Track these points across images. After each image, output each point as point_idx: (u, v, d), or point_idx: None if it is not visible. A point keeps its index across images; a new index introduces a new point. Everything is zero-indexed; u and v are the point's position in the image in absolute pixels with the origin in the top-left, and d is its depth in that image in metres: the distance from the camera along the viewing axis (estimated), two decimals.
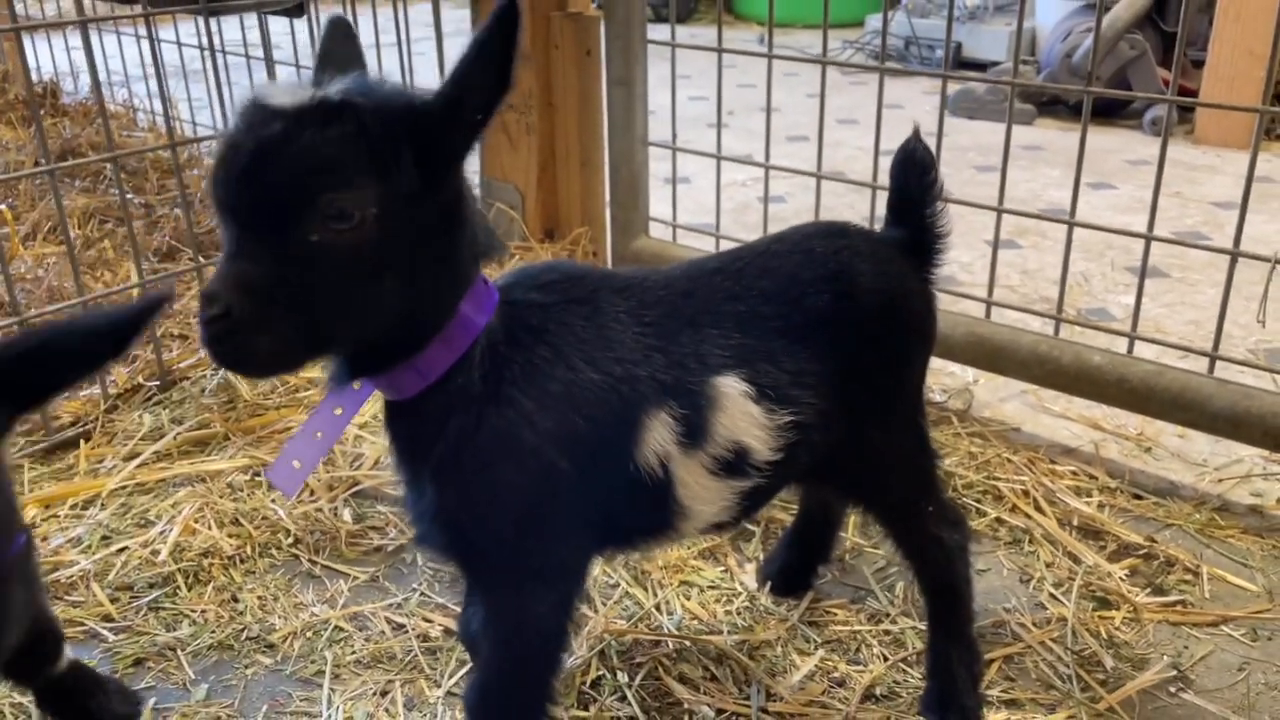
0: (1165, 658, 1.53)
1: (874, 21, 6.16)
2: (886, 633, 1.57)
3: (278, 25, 3.06)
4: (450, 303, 1.05)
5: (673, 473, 1.13)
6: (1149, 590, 1.66)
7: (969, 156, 4.11)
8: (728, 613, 1.61)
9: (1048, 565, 1.71)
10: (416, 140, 0.96)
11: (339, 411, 1.11)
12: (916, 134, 1.32)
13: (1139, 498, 1.90)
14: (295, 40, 3.17)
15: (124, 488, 1.89)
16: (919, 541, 1.37)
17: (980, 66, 5.30)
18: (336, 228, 0.93)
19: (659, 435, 1.11)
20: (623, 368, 1.10)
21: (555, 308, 1.12)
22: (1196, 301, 2.77)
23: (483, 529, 1.11)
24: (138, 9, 2.15)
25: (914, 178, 1.31)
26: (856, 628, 1.58)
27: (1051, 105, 4.81)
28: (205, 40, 2.35)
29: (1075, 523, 1.81)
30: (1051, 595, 1.65)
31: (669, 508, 1.16)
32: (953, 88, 4.65)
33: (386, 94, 0.96)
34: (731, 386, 1.14)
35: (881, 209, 1.46)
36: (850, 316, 1.21)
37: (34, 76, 2.75)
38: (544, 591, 1.16)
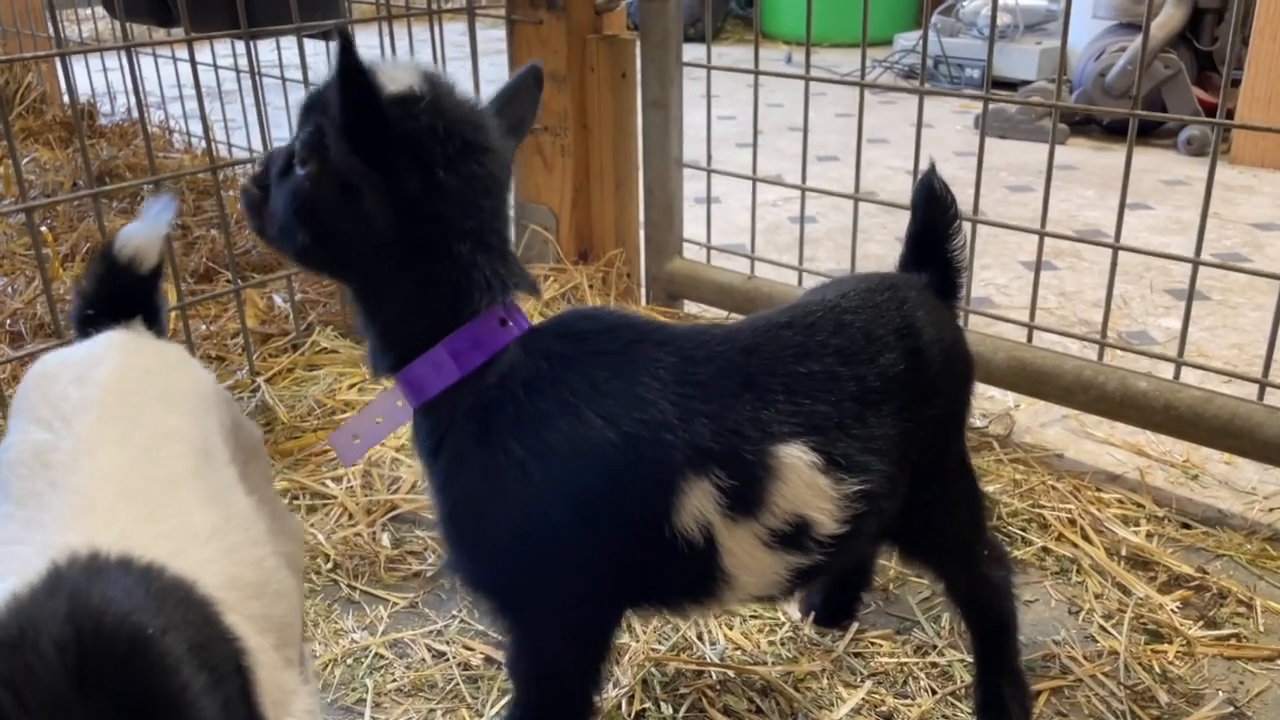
0: (1220, 693, 1.49)
1: (902, 40, 6.14)
2: (934, 665, 1.55)
3: (312, 47, 3.08)
4: (407, 311, 1.08)
5: (718, 542, 1.07)
6: (1202, 623, 1.63)
7: (1000, 176, 4.09)
8: (771, 643, 1.59)
9: (1096, 596, 1.68)
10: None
11: (400, 404, 1.13)
12: (933, 168, 1.30)
13: (1187, 527, 1.87)
14: (330, 63, 3.19)
15: None
16: (971, 585, 1.34)
17: (1009, 86, 5.26)
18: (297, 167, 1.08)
19: (698, 503, 1.06)
20: (650, 430, 1.04)
21: (573, 359, 1.08)
22: (1239, 325, 2.73)
23: (471, 559, 1.11)
24: (178, 33, 2.16)
25: (939, 214, 1.28)
26: (903, 660, 1.55)
27: (1084, 125, 4.77)
28: (246, 63, 2.37)
29: (1124, 552, 1.78)
30: (1101, 628, 1.62)
31: (714, 576, 1.10)
32: None
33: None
34: (796, 456, 1.07)
35: None
36: (920, 372, 1.17)
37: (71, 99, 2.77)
38: (558, 637, 1.14)
